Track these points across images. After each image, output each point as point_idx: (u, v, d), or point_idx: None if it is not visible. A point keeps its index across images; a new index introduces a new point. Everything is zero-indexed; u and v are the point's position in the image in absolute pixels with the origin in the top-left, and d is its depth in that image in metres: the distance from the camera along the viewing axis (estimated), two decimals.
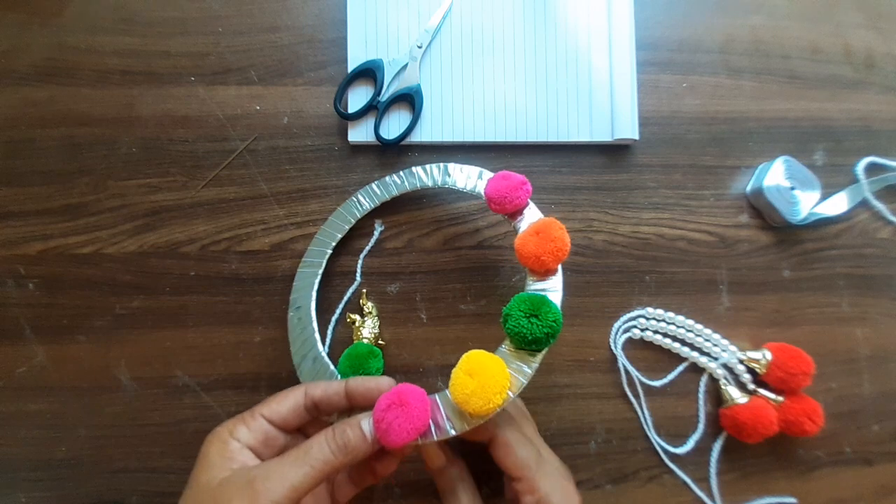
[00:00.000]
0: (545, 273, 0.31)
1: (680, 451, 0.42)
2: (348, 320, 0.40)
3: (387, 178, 0.41)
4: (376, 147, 0.42)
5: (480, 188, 0.38)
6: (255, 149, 0.42)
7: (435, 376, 0.41)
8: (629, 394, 0.42)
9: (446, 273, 0.42)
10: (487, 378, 0.28)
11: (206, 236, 0.41)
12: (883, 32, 0.47)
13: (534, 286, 0.32)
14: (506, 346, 0.31)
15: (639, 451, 0.42)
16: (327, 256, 0.40)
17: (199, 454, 0.30)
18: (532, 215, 0.34)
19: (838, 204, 0.45)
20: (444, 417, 0.29)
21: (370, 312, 0.41)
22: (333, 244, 0.40)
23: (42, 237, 0.41)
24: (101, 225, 0.41)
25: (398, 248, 0.42)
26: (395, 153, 0.43)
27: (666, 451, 0.42)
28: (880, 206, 0.45)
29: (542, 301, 0.29)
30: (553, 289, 0.31)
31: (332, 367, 0.36)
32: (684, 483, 0.42)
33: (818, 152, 0.46)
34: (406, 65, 0.42)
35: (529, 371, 0.29)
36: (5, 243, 0.41)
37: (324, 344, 0.39)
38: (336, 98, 0.41)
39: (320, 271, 0.40)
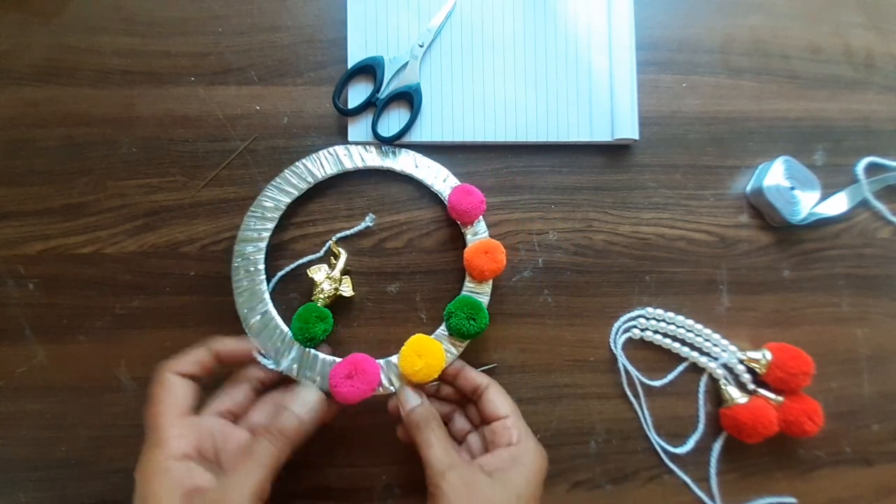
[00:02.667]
0: (482, 282, 0.39)
1: (680, 451, 0.42)
2: (309, 273, 0.39)
3: (360, 147, 0.42)
4: (376, 147, 0.42)
5: (443, 190, 0.41)
6: (255, 149, 0.42)
7: None
8: (629, 394, 0.42)
9: (446, 273, 0.42)
10: (431, 358, 0.36)
11: (206, 236, 0.41)
12: (883, 32, 0.47)
13: (472, 288, 0.40)
14: (442, 332, 0.39)
15: (639, 451, 0.42)
16: (281, 210, 0.40)
17: (144, 494, 0.29)
18: (480, 228, 0.41)
19: (838, 204, 0.45)
20: (389, 380, 0.38)
21: (337, 256, 0.40)
22: (287, 201, 0.40)
23: (42, 237, 0.41)
24: (101, 225, 0.41)
25: (398, 248, 0.42)
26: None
27: (666, 451, 0.42)
28: (880, 206, 0.45)
29: (479, 307, 0.38)
30: (485, 293, 0.40)
31: (282, 325, 0.38)
32: (684, 483, 0.42)
33: (818, 152, 0.46)
34: (406, 63, 0.42)
35: (456, 352, 0.39)
36: (5, 243, 0.41)
37: (271, 297, 0.39)
38: (335, 94, 0.41)
39: (277, 217, 0.40)
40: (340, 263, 0.40)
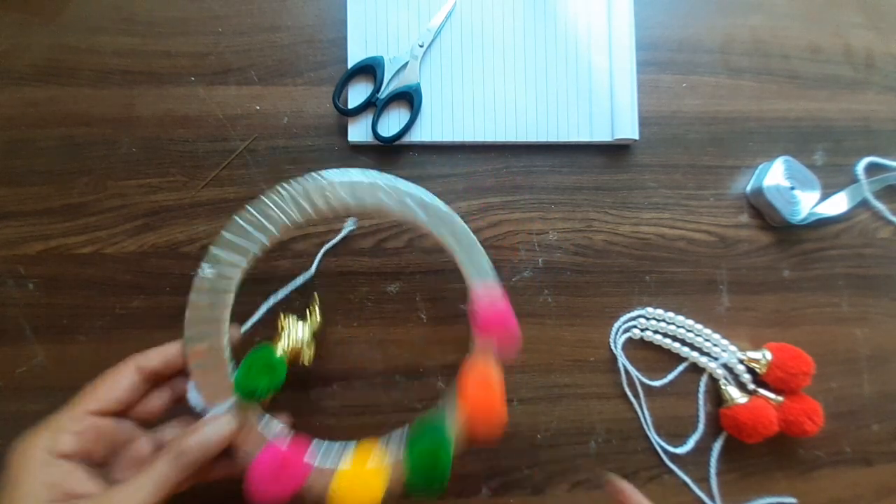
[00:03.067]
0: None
1: (680, 451, 0.42)
2: (279, 320, 0.35)
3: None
4: (376, 147, 0.42)
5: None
6: (255, 149, 0.42)
7: (435, 376, 0.41)
8: (629, 394, 0.42)
9: (446, 273, 0.42)
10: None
11: (206, 236, 0.41)
12: (883, 32, 0.47)
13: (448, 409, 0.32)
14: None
15: (639, 451, 0.42)
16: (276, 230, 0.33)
17: (11, 483, 0.25)
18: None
19: (838, 204, 0.45)
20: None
21: (306, 320, 0.36)
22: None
23: (42, 237, 0.41)
24: (101, 225, 0.41)
25: (398, 248, 0.42)
26: (395, 153, 0.43)
27: (666, 451, 0.42)
28: (880, 206, 0.45)
29: (444, 468, 0.30)
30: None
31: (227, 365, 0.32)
32: (684, 483, 0.42)
33: (818, 152, 0.46)
34: (406, 63, 0.42)
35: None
36: (5, 243, 0.41)
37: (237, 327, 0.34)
38: (335, 93, 0.41)
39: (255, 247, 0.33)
40: (305, 330, 0.35)
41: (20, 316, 0.40)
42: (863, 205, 0.46)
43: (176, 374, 0.32)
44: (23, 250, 0.41)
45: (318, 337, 0.36)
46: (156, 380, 0.31)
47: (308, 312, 0.37)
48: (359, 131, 0.42)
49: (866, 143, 0.46)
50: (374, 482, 0.30)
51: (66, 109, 0.41)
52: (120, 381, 0.30)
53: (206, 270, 0.32)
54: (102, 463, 0.29)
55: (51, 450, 0.26)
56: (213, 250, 0.33)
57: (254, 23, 0.43)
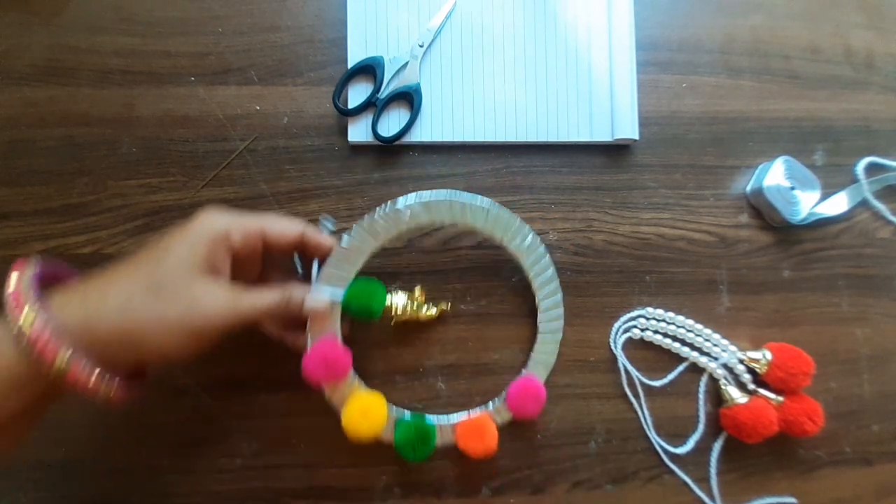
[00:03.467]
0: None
1: (680, 451, 0.42)
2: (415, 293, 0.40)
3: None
4: (376, 147, 0.42)
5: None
6: (255, 149, 0.42)
7: (435, 376, 0.41)
8: (629, 394, 0.42)
9: (446, 273, 0.42)
10: (374, 418, 0.37)
11: None
12: (883, 32, 0.47)
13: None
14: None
15: (639, 451, 0.42)
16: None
17: (189, 231, 0.31)
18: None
19: (838, 204, 0.45)
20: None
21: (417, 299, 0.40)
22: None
23: (42, 237, 0.41)
24: (101, 225, 0.41)
25: (398, 248, 0.42)
26: (395, 153, 0.43)
27: (666, 451, 0.42)
28: (880, 206, 0.45)
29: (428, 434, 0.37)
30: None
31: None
32: (684, 483, 0.42)
33: (818, 152, 0.46)
34: (406, 63, 0.42)
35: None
36: (5, 243, 0.41)
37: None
38: (335, 93, 0.41)
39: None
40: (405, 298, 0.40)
41: None
42: (863, 205, 0.46)
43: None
44: (23, 250, 0.41)
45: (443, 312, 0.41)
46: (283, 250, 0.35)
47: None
48: (359, 131, 0.42)
49: (866, 143, 0.46)
50: (380, 408, 0.37)
51: (66, 109, 0.41)
52: (289, 233, 0.34)
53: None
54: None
55: (228, 236, 0.32)
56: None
57: (254, 23, 0.43)
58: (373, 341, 0.42)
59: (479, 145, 0.43)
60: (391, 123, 0.42)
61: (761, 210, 0.44)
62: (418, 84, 0.42)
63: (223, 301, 0.31)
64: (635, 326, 0.43)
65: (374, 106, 0.42)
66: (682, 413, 0.43)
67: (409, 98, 0.42)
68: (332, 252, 0.37)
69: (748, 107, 0.45)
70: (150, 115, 0.42)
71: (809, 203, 0.43)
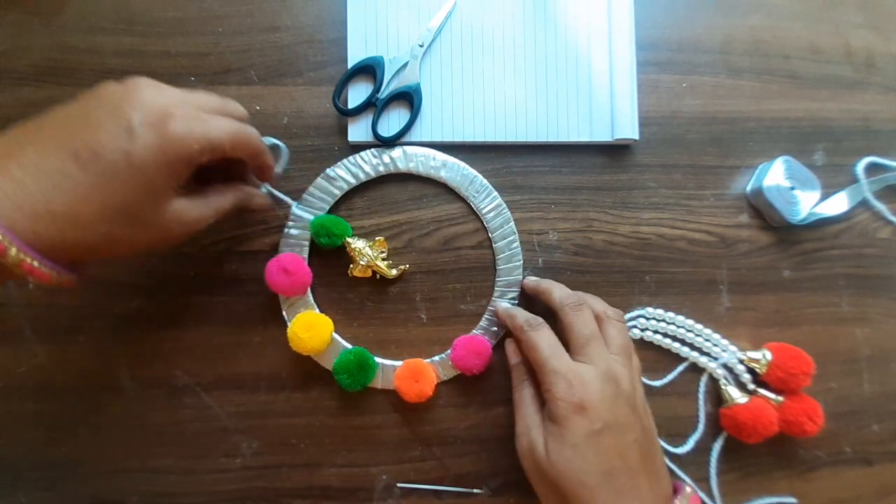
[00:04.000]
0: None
1: (680, 451, 0.42)
2: (347, 246, 0.41)
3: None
4: (376, 147, 0.42)
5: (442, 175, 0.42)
6: None
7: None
8: None
9: (446, 273, 0.42)
10: (319, 330, 0.39)
11: (206, 236, 0.41)
12: (883, 32, 0.47)
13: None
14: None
15: None
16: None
17: (167, 133, 0.28)
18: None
19: (838, 204, 0.45)
20: None
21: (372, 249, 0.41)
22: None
23: None
24: None
25: (398, 248, 0.42)
26: None
27: (666, 451, 0.42)
28: (880, 206, 0.45)
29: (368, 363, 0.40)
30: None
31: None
32: (684, 483, 0.42)
33: (818, 152, 0.46)
34: (406, 63, 0.42)
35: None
36: None
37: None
38: (335, 94, 0.41)
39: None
40: (369, 249, 0.41)
41: (20, 316, 0.40)
42: (863, 205, 0.46)
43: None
44: None
45: (403, 272, 0.42)
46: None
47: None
48: (359, 131, 0.42)
49: (866, 143, 0.46)
50: (325, 327, 0.39)
51: None
52: (253, 143, 0.33)
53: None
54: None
55: (205, 136, 0.29)
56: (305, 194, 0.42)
57: (254, 23, 0.43)
58: (372, 341, 0.42)
59: (479, 145, 0.43)
60: (391, 123, 0.42)
61: (761, 210, 0.44)
62: (418, 84, 0.42)
63: (192, 219, 0.31)
64: (635, 326, 0.43)
65: (374, 106, 0.42)
66: (682, 413, 0.43)
67: (409, 98, 0.42)
68: (315, 182, 0.41)
69: (748, 107, 0.45)
70: None
71: (809, 203, 0.43)
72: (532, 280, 0.41)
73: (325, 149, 0.42)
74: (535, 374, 0.36)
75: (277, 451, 0.41)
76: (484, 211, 0.42)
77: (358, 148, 0.42)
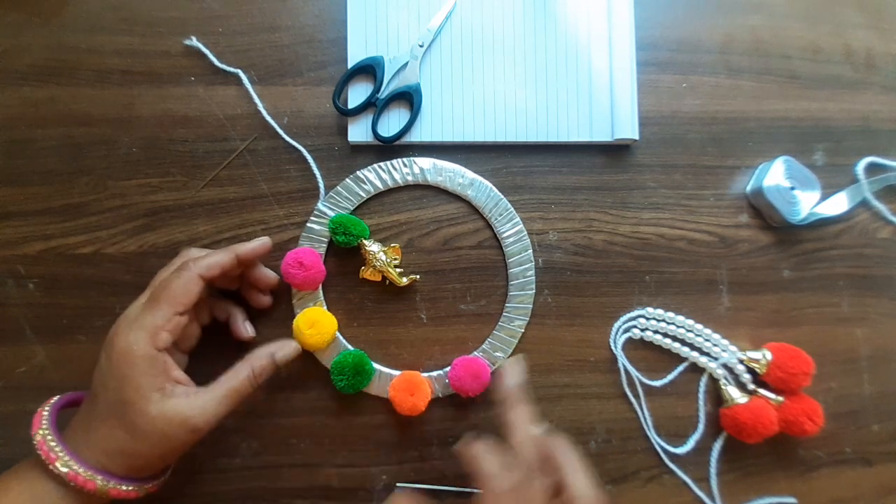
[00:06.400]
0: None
1: (680, 451, 0.42)
2: (362, 248, 0.41)
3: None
4: (376, 147, 0.42)
5: (468, 192, 0.42)
6: (255, 149, 0.42)
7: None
8: (629, 394, 0.42)
9: (446, 273, 0.42)
10: (322, 327, 0.39)
11: (206, 236, 0.41)
12: (883, 32, 0.47)
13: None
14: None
15: (639, 451, 0.42)
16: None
17: (116, 376, 0.32)
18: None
19: (838, 204, 0.45)
20: None
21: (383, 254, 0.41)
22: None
23: (42, 237, 0.41)
24: (101, 225, 0.41)
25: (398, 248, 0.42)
26: (395, 153, 0.43)
27: (666, 451, 0.42)
28: (880, 206, 0.45)
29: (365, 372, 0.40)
30: None
31: None
32: (684, 483, 0.42)
33: (818, 152, 0.46)
34: (406, 63, 0.42)
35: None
36: (5, 243, 0.41)
37: None
38: (335, 94, 0.41)
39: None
40: (383, 255, 0.41)
41: (20, 316, 0.40)
42: (863, 205, 0.46)
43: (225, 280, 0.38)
44: (23, 250, 0.41)
45: (413, 282, 0.42)
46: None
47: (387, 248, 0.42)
48: (359, 131, 0.42)
49: (866, 143, 0.46)
50: (329, 326, 0.39)
51: (66, 109, 0.41)
52: (192, 289, 0.34)
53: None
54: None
55: (154, 346, 0.32)
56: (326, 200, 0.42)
57: (254, 23, 0.43)
58: (372, 341, 0.42)
59: (479, 145, 0.43)
60: (391, 123, 0.42)
61: (761, 210, 0.44)
62: (418, 84, 0.42)
63: (195, 415, 0.33)
64: (635, 326, 0.43)
65: (374, 106, 0.42)
66: (682, 413, 0.43)
67: (409, 98, 0.42)
68: (343, 182, 0.41)
69: (748, 107, 0.45)
70: (150, 115, 0.42)
71: (809, 203, 0.43)
72: (467, 448, 0.34)
73: (324, 149, 0.42)
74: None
75: (277, 451, 0.41)
76: (504, 235, 0.42)
77: (358, 148, 0.42)
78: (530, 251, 0.42)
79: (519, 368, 0.37)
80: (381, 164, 0.42)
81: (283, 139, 0.42)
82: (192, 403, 0.33)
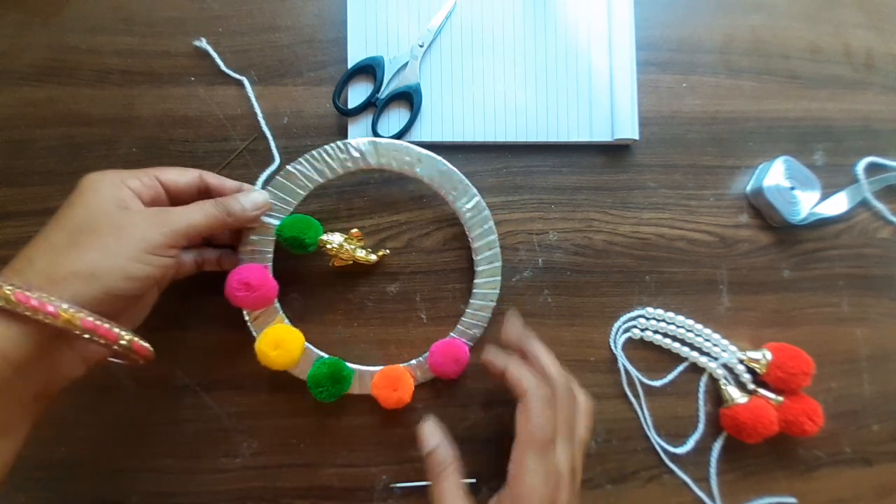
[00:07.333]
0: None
1: (680, 451, 0.42)
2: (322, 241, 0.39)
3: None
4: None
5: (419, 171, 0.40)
6: (255, 149, 0.42)
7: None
8: (629, 394, 0.42)
9: (446, 273, 0.42)
10: (288, 347, 0.37)
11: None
12: (883, 32, 0.47)
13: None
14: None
15: (639, 451, 0.42)
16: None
17: (81, 188, 0.32)
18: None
19: (838, 204, 0.45)
20: None
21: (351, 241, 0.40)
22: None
23: None
24: None
25: (398, 248, 0.42)
26: None
27: (666, 451, 0.42)
28: (880, 206, 0.45)
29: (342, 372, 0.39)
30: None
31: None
32: (684, 483, 0.42)
33: (818, 152, 0.46)
34: (406, 63, 0.42)
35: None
36: (5, 243, 0.41)
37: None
38: (335, 94, 0.41)
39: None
40: (344, 241, 0.40)
41: None
42: (863, 205, 0.46)
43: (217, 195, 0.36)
44: None
45: (382, 257, 0.42)
46: (201, 197, 0.35)
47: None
48: (359, 131, 0.42)
49: (866, 143, 0.46)
50: (295, 342, 0.38)
51: (66, 109, 0.41)
52: (186, 174, 0.35)
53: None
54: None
55: (122, 180, 0.32)
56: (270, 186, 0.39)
57: (253, 23, 0.43)
58: (372, 341, 0.42)
59: (479, 145, 0.43)
60: (391, 123, 0.42)
61: (761, 210, 0.44)
62: (418, 84, 0.42)
63: (150, 220, 0.31)
64: (635, 326, 0.43)
65: (374, 106, 0.42)
66: (682, 413, 0.43)
67: (409, 98, 0.42)
68: (274, 181, 0.39)
69: (748, 107, 0.45)
70: (150, 115, 0.42)
71: (809, 203, 0.43)
72: (494, 357, 0.36)
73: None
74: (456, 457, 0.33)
75: (277, 451, 0.41)
76: (463, 210, 0.40)
77: None
78: (491, 222, 0.40)
79: (516, 319, 0.37)
80: (314, 152, 0.39)
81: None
82: (153, 214, 0.32)
